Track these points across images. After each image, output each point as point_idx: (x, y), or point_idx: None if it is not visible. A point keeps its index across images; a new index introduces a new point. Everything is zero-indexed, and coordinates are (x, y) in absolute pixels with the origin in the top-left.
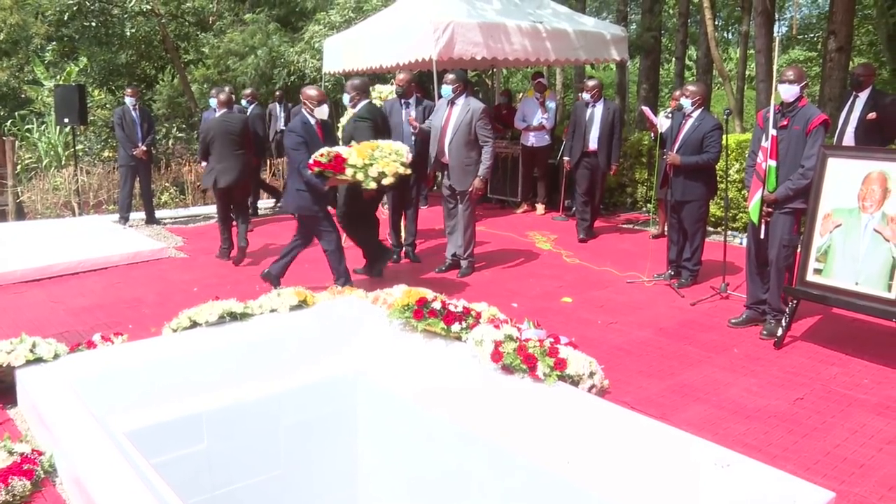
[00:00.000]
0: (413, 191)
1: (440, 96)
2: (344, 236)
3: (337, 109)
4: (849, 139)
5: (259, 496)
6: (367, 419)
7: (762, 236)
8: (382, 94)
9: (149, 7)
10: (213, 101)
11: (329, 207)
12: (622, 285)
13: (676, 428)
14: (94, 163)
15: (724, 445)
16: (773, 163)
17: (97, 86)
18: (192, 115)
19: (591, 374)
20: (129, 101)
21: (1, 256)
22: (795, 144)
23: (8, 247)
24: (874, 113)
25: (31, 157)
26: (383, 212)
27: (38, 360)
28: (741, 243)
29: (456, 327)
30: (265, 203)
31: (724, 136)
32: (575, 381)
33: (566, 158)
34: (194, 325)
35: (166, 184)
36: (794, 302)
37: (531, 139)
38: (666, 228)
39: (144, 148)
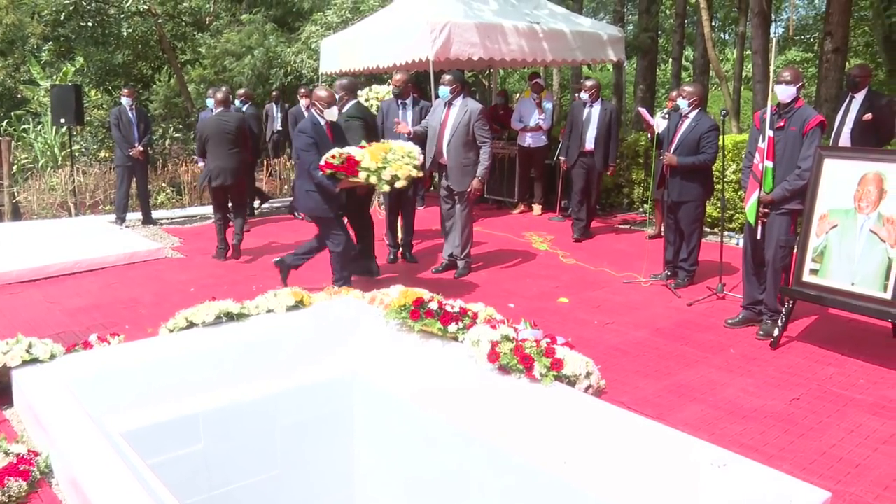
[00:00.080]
0: (410, 191)
1: (437, 97)
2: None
3: None
4: (845, 140)
5: (256, 496)
6: (364, 419)
7: (759, 237)
8: (379, 94)
9: (145, 7)
10: (209, 102)
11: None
12: (619, 286)
13: (673, 428)
14: (90, 163)
15: (720, 445)
16: (769, 164)
17: (94, 86)
18: (188, 116)
19: (588, 375)
20: (125, 101)
21: None
22: (792, 145)
23: (4, 247)
24: (870, 114)
25: (27, 158)
26: (380, 212)
27: (35, 360)
28: (738, 244)
29: (452, 328)
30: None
31: (720, 137)
32: (571, 382)
33: (562, 158)
34: (191, 325)
35: (163, 184)
36: (791, 302)
37: (528, 140)
38: (662, 229)
39: (141, 148)
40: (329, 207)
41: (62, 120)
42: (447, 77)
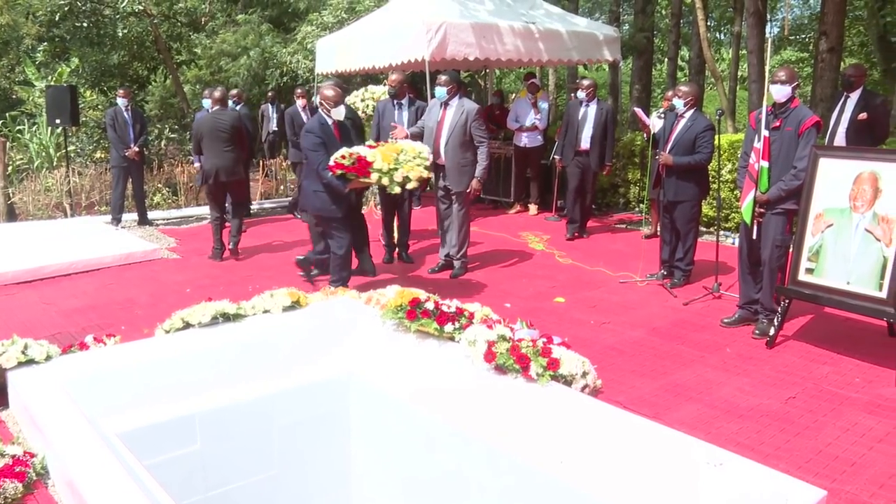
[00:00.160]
0: (406, 191)
1: (433, 97)
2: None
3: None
4: (840, 139)
5: (253, 497)
6: (361, 419)
7: (754, 236)
8: (375, 94)
9: (141, 8)
10: (206, 102)
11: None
12: (615, 285)
13: (669, 427)
14: (86, 164)
15: (716, 444)
16: (765, 163)
17: (89, 86)
18: (184, 116)
19: (584, 374)
20: (121, 101)
21: None
22: (787, 145)
23: (0, 248)
24: (865, 113)
25: (22, 159)
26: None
27: (30, 361)
28: (733, 243)
29: (449, 328)
30: (258, 203)
31: (716, 137)
32: (568, 381)
33: (557, 158)
34: (187, 326)
35: (159, 185)
36: (786, 301)
37: (524, 140)
38: (658, 228)
39: (136, 149)
40: (337, 208)
41: (57, 121)
42: (443, 77)
